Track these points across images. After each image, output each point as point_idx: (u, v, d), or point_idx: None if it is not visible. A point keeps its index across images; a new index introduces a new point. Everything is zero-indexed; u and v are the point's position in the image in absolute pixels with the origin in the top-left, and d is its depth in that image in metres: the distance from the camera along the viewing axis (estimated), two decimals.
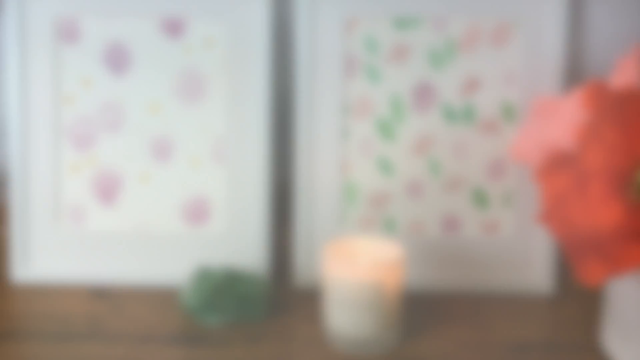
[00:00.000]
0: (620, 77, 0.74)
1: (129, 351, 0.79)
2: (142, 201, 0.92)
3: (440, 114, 0.90)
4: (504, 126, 0.90)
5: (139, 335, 0.81)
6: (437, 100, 0.90)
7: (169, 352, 0.78)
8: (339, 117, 0.90)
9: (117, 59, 0.90)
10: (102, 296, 0.90)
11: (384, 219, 0.92)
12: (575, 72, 0.93)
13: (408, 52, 0.89)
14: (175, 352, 0.78)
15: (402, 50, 0.89)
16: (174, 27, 0.90)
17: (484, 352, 0.79)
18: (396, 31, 0.89)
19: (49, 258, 0.92)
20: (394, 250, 0.80)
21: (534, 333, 0.84)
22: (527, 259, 0.91)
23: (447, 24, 0.89)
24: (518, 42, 0.88)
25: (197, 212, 0.92)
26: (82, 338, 0.80)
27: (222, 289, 0.82)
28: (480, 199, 0.91)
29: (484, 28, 0.89)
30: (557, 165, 0.70)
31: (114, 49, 0.90)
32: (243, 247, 0.91)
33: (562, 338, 0.82)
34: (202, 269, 0.86)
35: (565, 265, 0.92)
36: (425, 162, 0.91)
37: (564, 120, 0.72)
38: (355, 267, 0.76)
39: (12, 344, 0.79)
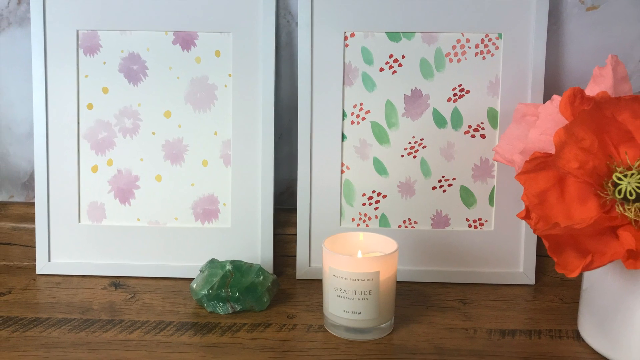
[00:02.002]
0: (596, 85, 0.74)
1: (144, 337, 0.79)
2: (156, 199, 0.92)
3: (430, 119, 0.90)
4: (489, 131, 0.90)
5: (152, 322, 0.81)
6: (428, 107, 0.90)
7: (180, 338, 0.78)
8: (338, 122, 0.90)
9: (133, 69, 0.90)
10: (119, 286, 0.90)
11: (379, 215, 0.92)
12: (554, 81, 0.93)
13: (401, 63, 0.89)
14: (186, 338, 0.78)
15: (396, 61, 0.89)
16: (185, 40, 0.90)
17: (470, 338, 0.79)
18: (390, 44, 0.89)
19: (70, 252, 0.92)
20: (389, 243, 0.80)
21: (516, 320, 0.84)
22: (509, 252, 0.91)
23: (436, 37, 0.89)
24: (502, 54, 0.88)
25: (206, 210, 0.92)
26: (101, 325, 0.80)
27: (229, 281, 0.82)
28: (467, 197, 0.91)
29: (470, 41, 0.89)
30: (537, 167, 0.70)
31: (130, 59, 0.90)
32: (248, 241, 0.91)
33: (542, 325, 0.82)
34: (211, 262, 0.86)
35: (545, 257, 0.92)
36: (416, 163, 0.91)
37: (543, 125, 0.72)
38: (353, 259, 0.76)
39: (37, 330, 0.79)
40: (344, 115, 0.90)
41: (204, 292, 0.82)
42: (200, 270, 0.85)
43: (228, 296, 0.82)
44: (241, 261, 0.85)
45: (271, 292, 0.84)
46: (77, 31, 0.89)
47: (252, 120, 0.90)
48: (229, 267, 0.83)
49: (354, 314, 0.76)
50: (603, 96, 0.70)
